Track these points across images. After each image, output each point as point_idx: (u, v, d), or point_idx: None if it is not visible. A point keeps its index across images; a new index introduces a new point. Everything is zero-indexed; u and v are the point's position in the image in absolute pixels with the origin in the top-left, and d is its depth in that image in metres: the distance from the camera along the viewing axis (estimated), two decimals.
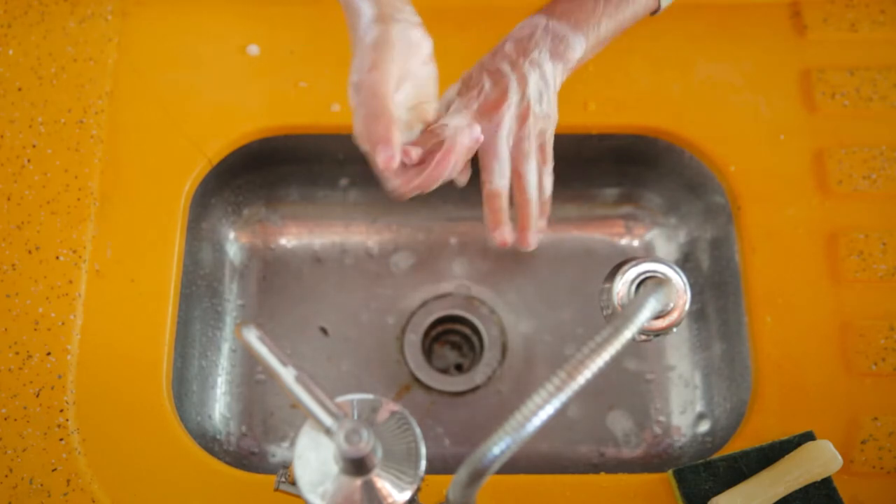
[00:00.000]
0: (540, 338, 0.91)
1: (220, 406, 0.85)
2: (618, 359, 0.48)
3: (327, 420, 0.47)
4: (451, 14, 0.84)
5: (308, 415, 0.47)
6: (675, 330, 0.57)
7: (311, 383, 0.48)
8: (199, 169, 0.80)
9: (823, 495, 0.67)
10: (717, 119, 0.82)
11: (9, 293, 0.74)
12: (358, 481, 0.49)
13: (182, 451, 0.70)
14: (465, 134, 0.59)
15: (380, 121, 0.55)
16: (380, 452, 0.49)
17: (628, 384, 0.89)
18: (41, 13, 0.83)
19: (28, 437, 0.69)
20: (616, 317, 0.46)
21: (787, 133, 0.81)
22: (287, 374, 0.48)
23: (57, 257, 0.75)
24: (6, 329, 0.73)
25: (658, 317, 0.57)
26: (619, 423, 0.88)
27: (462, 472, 0.46)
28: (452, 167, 0.59)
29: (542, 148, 0.65)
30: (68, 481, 0.68)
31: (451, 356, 0.94)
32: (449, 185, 0.66)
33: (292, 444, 0.77)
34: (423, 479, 0.50)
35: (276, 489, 0.59)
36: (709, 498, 0.67)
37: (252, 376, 0.89)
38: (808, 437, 0.69)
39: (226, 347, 0.88)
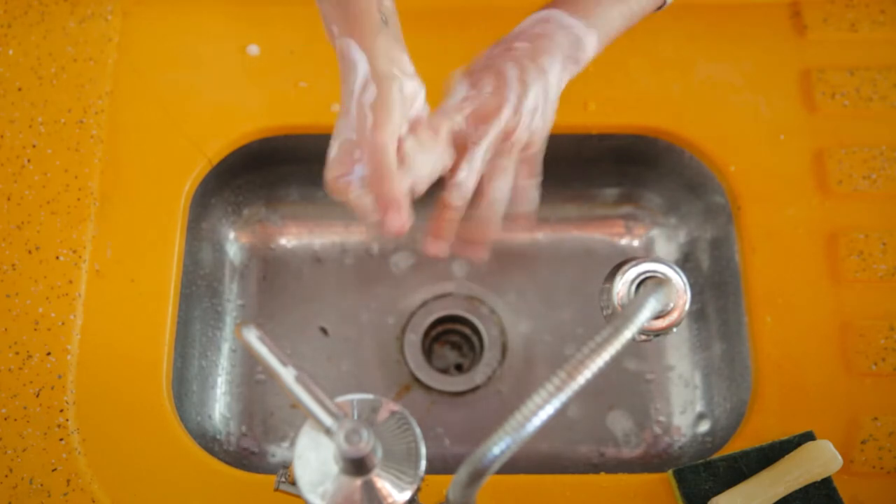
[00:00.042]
0: (540, 338, 0.91)
1: (220, 406, 0.85)
2: (618, 359, 0.48)
3: (327, 420, 0.47)
4: (451, 14, 0.84)
5: (308, 415, 0.47)
6: (675, 330, 0.57)
7: (311, 383, 0.48)
8: (199, 169, 0.80)
9: (823, 495, 0.67)
10: (717, 119, 0.82)
11: (9, 293, 0.74)
12: (358, 481, 0.49)
13: (182, 451, 0.70)
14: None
15: (386, 182, 0.55)
16: (380, 452, 0.49)
17: (628, 384, 0.89)
18: (41, 13, 0.83)
19: (28, 437, 0.69)
20: (616, 317, 0.46)
21: (787, 133, 0.81)
22: (287, 374, 0.48)
23: (57, 257, 0.75)
24: (6, 329, 0.73)
25: (658, 317, 0.56)
26: (619, 423, 0.88)
27: (462, 472, 0.46)
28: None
29: (528, 161, 0.63)
30: (68, 481, 0.68)
31: (451, 356, 0.94)
32: None
33: (292, 444, 0.77)
34: (423, 479, 0.50)
35: (276, 489, 0.59)
36: (709, 498, 0.67)
37: (252, 376, 0.89)
38: (808, 437, 0.69)
39: (226, 347, 0.88)
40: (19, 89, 0.81)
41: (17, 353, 0.72)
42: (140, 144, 0.80)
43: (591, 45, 0.64)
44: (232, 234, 0.92)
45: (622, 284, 0.57)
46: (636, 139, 0.84)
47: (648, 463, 0.85)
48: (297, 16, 0.85)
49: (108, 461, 0.69)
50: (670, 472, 0.69)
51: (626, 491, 0.69)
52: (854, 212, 0.78)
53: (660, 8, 0.71)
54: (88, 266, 0.75)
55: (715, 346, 0.84)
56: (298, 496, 0.50)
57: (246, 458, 0.85)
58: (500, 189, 0.62)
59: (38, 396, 0.71)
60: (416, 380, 0.90)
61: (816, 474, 0.66)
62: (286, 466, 0.60)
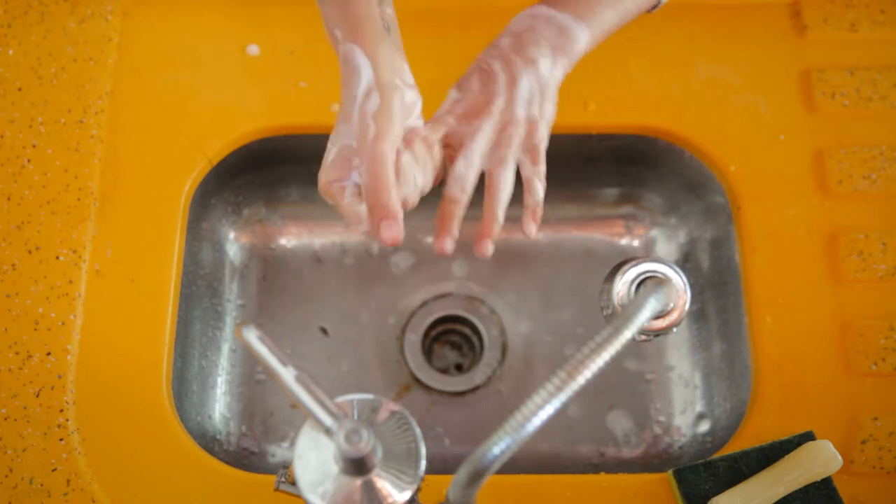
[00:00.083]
0: (540, 338, 0.91)
1: (220, 406, 0.85)
2: (618, 359, 0.48)
3: (327, 420, 0.47)
4: (451, 14, 0.84)
5: (308, 415, 0.47)
6: (675, 330, 0.57)
7: (311, 383, 0.48)
8: (199, 169, 0.80)
9: (823, 495, 0.67)
10: (717, 119, 0.82)
11: (9, 293, 0.74)
12: (358, 481, 0.49)
13: (182, 451, 0.70)
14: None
15: (383, 193, 0.55)
16: (380, 452, 0.49)
17: (628, 384, 0.89)
18: (41, 13, 0.83)
19: (28, 437, 0.69)
20: (616, 317, 0.46)
21: (787, 133, 0.81)
22: (287, 374, 0.48)
23: (57, 257, 0.75)
24: (6, 329, 0.73)
25: (658, 317, 0.57)
26: (619, 423, 0.88)
27: (462, 472, 0.46)
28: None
29: (531, 150, 0.63)
30: (68, 481, 0.68)
31: (451, 356, 0.94)
32: None
33: (292, 444, 0.77)
34: (423, 479, 0.50)
35: (276, 489, 0.59)
36: (709, 498, 0.67)
37: (252, 376, 0.89)
38: (808, 437, 0.69)
39: (226, 347, 0.88)
40: (19, 89, 0.81)
41: (17, 353, 0.72)
42: (140, 144, 0.80)
43: (583, 37, 0.64)
44: (232, 234, 0.92)
45: (622, 284, 0.57)
46: (636, 139, 0.84)
47: (648, 463, 0.85)
48: (297, 16, 0.85)
49: (108, 461, 0.69)
50: (670, 472, 0.69)
51: (626, 491, 0.69)
52: (854, 212, 0.78)
53: (654, 8, 0.71)
54: (88, 266, 0.75)
55: (715, 346, 0.84)
56: (298, 496, 0.50)
57: (246, 458, 0.85)
58: (503, 180, 0.62)
59: (38, 396, 0.71)
60: (416, 380, 0.90)
61: (816, 474, 0.66)
62: (286, 466, 0.60)
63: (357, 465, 0.48)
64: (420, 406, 0.89)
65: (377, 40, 0.58)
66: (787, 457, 0.67)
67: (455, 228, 0.61)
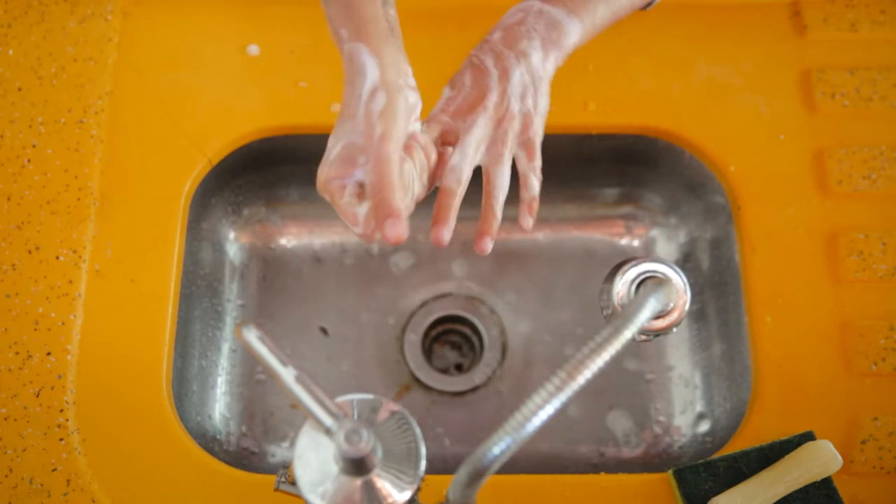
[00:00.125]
0: (540, 338, 0.91)
1: (220, 406, 0.85)
2: (618, 359, 0.48)
3: (327, 420, 0.47)
4: (451, 14, 0.84)
5: (308, 415, 0.47)
6: (675, 330, 0.57)
7: (311, 383, 0.48)
8: (199, 169, 0.80)
9: (823, 495, 0.67)
10: (717, 119, 0.82)
11: (9, 293, 0.74)
12: (358, 481, 0.49)
13: (182, 451, 0.70)
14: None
15: (389, 192, 0.55)
16: (380, 452, 0.49)
17: (628, 384, 0.89)
18: (41, 13, 0.83)
19: (28, 437, 0.69)
20: (616, 317, 0.46)
21: (787, 133, 0.81)
22: (287, 374, 0.48)
23: (57, 257, 0.75)
24: (6, 329, 0.73)
25: (658, 317, 0.57)
26: (619, 423, 0.88)
27: (462, 472, 0.46)
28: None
29: (526, 144, 0.63)
30: (68, 481, 0.68)
31: (451, 356, 0.94)
32: None
33: (292, 444, 0.77)
34: (423, 479, 0.50)
35: (276, 489, 0.59)
36: (709, 498, 0.67)
37: (252, 376, 0.89)
38: (808, 437, 0.69)
39: (226, 347, 0.88)
40: (19, 89, 0.81)
41: (17, 353, 0.72)
42: (140, 144, 0.80)
43: (574, 31, 0.64)
44: (232, 234, 0.92)
45: (622, 284, 0.57)
46: (636, 139, 0.84)
47: (648, 463, 0.85)
48: (297, 16, 0.85)
49: (108, 461, 0.69)
50: (670, 472, 0.69)
51: (626, 491, 0.69)
52: (854, 212, 0.78)
53: (648, 6, 0.71)
54: (88, 266, 0.75)
55: (715, 346, 0.84)
56: (298, 496, 0.50)
57: (246, 458, 0.85)
58: (500, 177, 0.62)
59: (38, 396, 0.71)
60: (416, 380, 0.90)
61: (816, 474, 0.66)
62: (286, 466, 0.60)
63: (357, 465, 0.48)
64: (420, 406, 0.89)
65: (382, 41, 0.59)
66: (787, 457, 0.67)
67: (452, 219, 0.60)
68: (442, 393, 0.90)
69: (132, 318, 0.74)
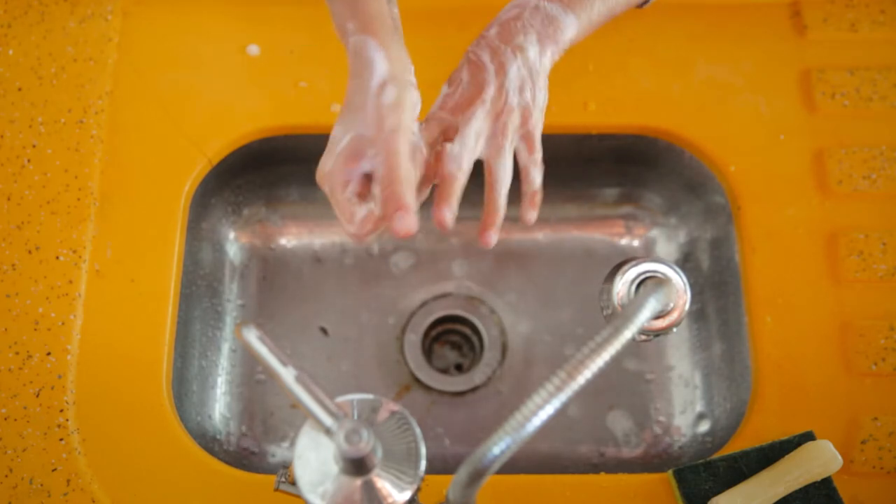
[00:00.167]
0: (540, 338, 0.91)
1: (220, 406, 0.85)
2: (618, 359, 0.48)
3: (327, 420, 0.47)
4: (451, 14, 0.84)
5: (308, 415, 0.47)
6: (675, 330, 0.57)
7: (311, 383, 0.48)
8: (199, 169, 0.80)
9: (823, 495, 0.67)
10: (717, 119, 0.82)
11: (9, 293, 0.74)
12: (358, 481, 0.49)
13: (182, 451, 0.70)
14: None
15: (399, 185, 0.55)
16: (380, 452, 0.49)
17: (628, 384, 0.89)
18: (41, 13, 0.83)
19: (28, 437, 0.69)
20: (616, 317, 0.46)
21: (787, 133, 0.81)
22: (287, 374, 0.48)
23: (57, 257, 0.75)
24: (6, 329, 0.73)
25: (658, 317, 0.57)
26: (619, 423, 0.88)
27: (462, 472, 0.46)
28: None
29: (526, 137, 0.63)
30: (68, 481, 0.68)
31: (451, 356, 0.94)
32: None
33: (292, 444, 0.77)
34: (423, 479, 0.50)
35: (276, 489, 0.59)
36: (709, 498, 0.67)
37: (252, 376, 0.89)
38: (808, 437, 0.69)
39: (226, 347, 0.88)
40: (19, 89, 0.81)
41: (17, 353, 0.72)
42: (140, 144, 0.80)
43: (570, 27, 0.64)
44: (232, 234, 0.92)
45: (622, 284, 0.57)
46: (636, 139, 0.84)
47: (648, 463, 0.85)
48: (297, 16, 0.85)
49: (108, 461, 0.69)
50: (670, 472, 0.69)
51: (626, 491, 0.69)
52: (854, 212, 0.78)
53: (644, 3, 0.71)
54: (88, 266, 0.75)
55: (715, 346, 0.84)
56: (298, 496, 0.50)
57: (246, 458, 0.85)
58: (501, 169, 0.62)
59: (38, 396, 0.71)
60: (416, 380, 0.90)
61: (816, 474, 0.66)
62: (286, 466, 0.60)
63: (357, 465, 0.48)
64: (420, 406, 0.89)
65: (388, 37, 0.59)
66: (787, 457, 0.67)
67: (454, 202, 0.60)
68: (442, 393, 0.90)
69: (132, 318, 0.74)
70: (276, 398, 0.88)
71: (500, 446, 0.44)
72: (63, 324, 0.73)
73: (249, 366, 0.89)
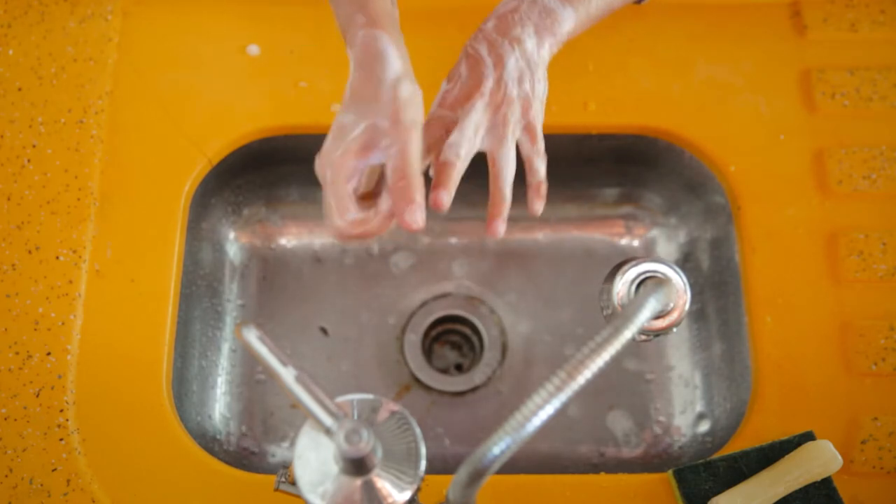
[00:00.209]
0: (540, 338, 0.91)
1: (220, 406, 0.85)
2: (618, 359, 0.48)
3: (327, 420, 0.47)
4: (451, 14, 0.84)
5: (308, 415, 0.47)
6: (675, 330, 0.57)
7: (311, 383, 0.48)
8: (199, 169, 0.80)
9: (823, 495, 0.67)
10: (717, 119, 0.82)
11: (9, 293, 0.74)
12: (358, 481, 0.49)
13: (182, 451, 0.70)
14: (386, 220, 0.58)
15: (413, 179, 0.55)
16: (380, 452, 0.49)
17: (628, 384, 0.89)
18: (41, 13, 0.83)
19: (28, 437, 0.69)
20: (616, 317, 0.46)
21: (787, 133, 0.81)
22: (287, 374, 0.48)
23: (57, 257, 0.75)
24: (6, 329, 0.73)
25: (658, 317, 0.57)
26: (619, 423, 0.88)
27: (462, 472, 0.46)
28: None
29: (527, 128, 0.63)
30: (68, 481, 0.68)
31: (451, 356, 0.94)
32: None
33: (292, 444, 0.77)
34: (423, 479, 0.50)
35: (276, 489, 0.59)
36: (709, 498, 0.67)
37: (252, 376, 0.89)
38: (808, 437, 0.69)
39: (226, 347, 0.88)
40: (19, 89, 0.81)
41: (17, 353, 0.72)
42: (140, 144, 0.80)
43: (568, 18, 0.64)
44: (232, 234, 0.92)
45: (622, 284, 0.57)
46: (636, 139, 0.84)
47: (648, 463, 0.85)
48: (297, 16, 0.85)
49: (108, 461, 0.69)
50: (670, 472, 0.69)
51: (626, 491, 0.69)
52: (854, 212, 0.78)
53: (640, 0, 0.71)
54: (88, 266, 0.75)
55: (715, 346, 0.84)
56: (298, 496, 0.50)
57: (246, 458, 0.85)
58: (504, 158, 0.62)
59: (38, 396, 0.71)
60: (416, 380, 0.90)
61: (816, 474, 0.66)
62: (286, 466, 0.60)
63: (357, 465, 0.48)
64: (420, 406, 0.89)
65: (395, 35, 0.59)
66: (787, 457, 0.67)
67: (452, 186, 0.59)
68: (442, 393, 0.90)
69: (132, 318, 0.74)
70: (276, 398, 0.88)
71: (500, 446, 0.44)
72: (63, 324, 0.73)
73: (249, 366, 0.89)
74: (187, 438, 0.71)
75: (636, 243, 0.94)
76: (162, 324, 0.74)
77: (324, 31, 0.84)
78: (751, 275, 0.76)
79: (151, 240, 0.77)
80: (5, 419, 0.70)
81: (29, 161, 0.78)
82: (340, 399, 0.51)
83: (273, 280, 0.92)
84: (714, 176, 0.82)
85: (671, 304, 0.56)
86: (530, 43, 0.62)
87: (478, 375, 0.90)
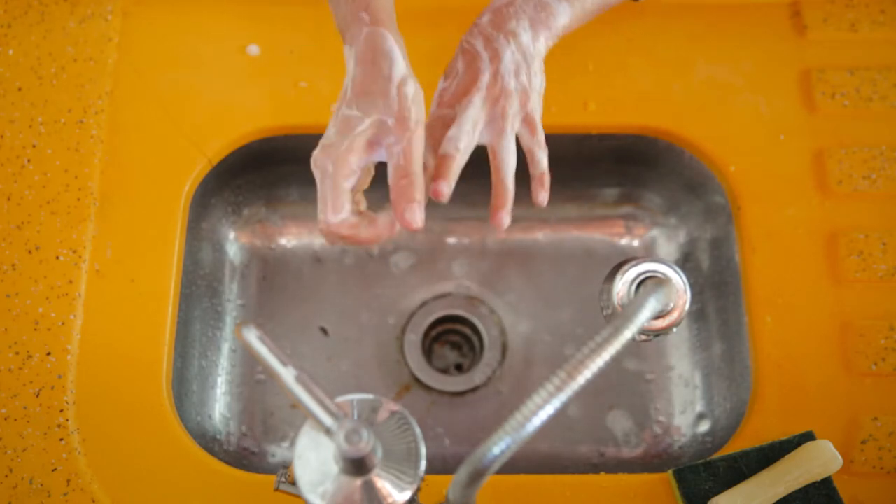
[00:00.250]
0: (540, 338, 0.91)
1: (220, 406, 0.85)
2: (618, 359, 0.48)
3: (327, 420, 0.47)
4: (451, 14, 0.84)
5: (308, 415, 0.47)
6: (675, 330, 0.57)
7: (311, 383, 0.48)
8: (199, 169, 0.80)
9: (823, 495, 0.67)
10: (717, 119, 0.82)
11: (9, 293, 0.74)
12: (358, 481, 0.49)
13: (182, 451, 0.70)
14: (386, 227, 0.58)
15: (415, 178, 0.56)
16: (380, 452, 0.49)
17: (628, 384, 0.89)
18: (41, 13, 0.83)
19: (28, 437, 0.69)
20: (616, 317, 0.46)
21: (787, 133, 0.81)
22: (287, 374, 0.48)
23: (57, 257, 0.75)
24: (6, 329, 0.73)
25: (658, 317, 0.57)
26: (619, 423, 0.88)
27: (462, 472, 0.46)
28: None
29: (526, 120, 0.63)
30: (68, 481, 0.68)
31: (451, 356, 0.94)
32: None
33: (292, 444, 0.77)
34: (423, 479, 0.50)
35: (276, 489, 0.59)
36: (709, 498, 0.67)
37: (252, 376, 0.89)
38: (808, 437, 0.69)
39: (226, 347, 0.88)
40: (19, 89, 0.81)
41: (17, 353, 0.72)
42: (140, 144, 0.80)
43: (563, 12, 0.64)
44: (232, 234, 0.92)
45: (622, 284, 0.57)
46: (636, 139, 0.84)
47: (648, 463, 0.85)
48: (297, 16, 0.85)
49: (108, 461, 0.69)
50: (670, 472, 0.69)
51: (626, 491, 0.69)
52: (854, 212, 0.78)
53: None
54: (88, 266, 0.75)
55: (715, 346, 0.84)
56: (298, 496, 0.50)
57: (246, 458, 0.85)
58: (505, 149, 0.62)
59: (38, 396, 0.71)
60: (416, 380, 0.90)
61: (816, 474, 0.66)
62: (286, 466, 0.60)
63: (357, 465, 0.48)
64: (420, 406, 0.89)
65: (397, 36, 0.59)
66: (787, 457, 0.67)
67: (452, 177, 0.60)
68: (442, 393, 0.90)
69: (132, 318, 0.74)
70: (276, 398, 0.88)
71: (500, 446, 0.44)
72: (63, 324, 0.73)
73: (249, 366, 0.89)
74: (187, 438, 0.71)
75: (636, 243, 0.94)
76: (162, 324, 0.74)
77: (324, 31, 0.84)
78: (751, 275, 0.76)
79: (151, 240, 0.77)
80: (5, 419, 0.70)
81: (29, 161, 0.78)
82: (340, 399, 0.51)
83: (273, 280, 0.92)
84: (714, 176, 0.82)
85: (671, 304, 0.56)
86: (525, 36, 0.63)
87: (478, 375, 0.90)
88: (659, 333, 0.57)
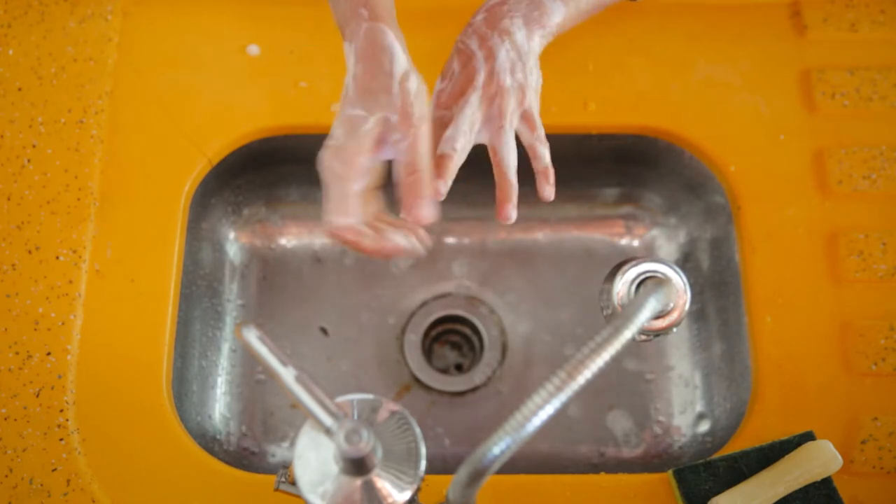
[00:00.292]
0: (540, 338, 0.91)
1: (220, 406, 0.85)
2: (618, 359, 0.48)
3: (327, 420, 0.47)
4: (451, 14, 0.84)
5: (308, 415, 0.47)
6: (675, 330, 0.57)
7: (311, 383, 0.48)
8: (199, 169, 0.80)
9: (823, 495, 0.67)
10: (717, 119, 0.82)
11: (9, 293, 0.74)
12: (358, 481, 0.49)
13: (182, 451, 0.70)
14: (395, 240, 0.58)
15: (423, 173, 0.56)
16: (380, 452, 0.49)
17: (628, 384, 0.89)
18: (41, 13, 0.83)
19: (28, 437, 0.69)
20: (616, 317, 0.46)
21: (787, 133, 0.81)
22: (287, 374, 0.48)
23: (57, 257, 0.75)
24: (6, 329, 0.73)
25: (658, 317, 0.57)
26: (619, 423, 0.88)
27: (462, 472, 0.46)
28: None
29: (525, 117, 0.63)
30: (68, 481, 0.68)
31: (451, 356, 0.94)
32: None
33: (292, 444, 0.77)
34: (423, 479, 0.50)
35: (276, 489, 0.59)
36: (709, 498, 0.67)
37: (252, 376, 0.89)
38: (808, 437, 0.69)
39: (226, 347, 0.88)
40: (19, 89, 0.81)
41: (17, 353, 0.72)
42: (140, 144, 0.80)
43: (558, 11, 0.64)
44: (232, 234, 0.92)
45: (622, 284, 0.57)
46: (636, 139, 0.84)
47: (648, 463, 0.85)
48: (297, 16, 0.85)
49: (108, 461, 0.69)
50: (670, 472, 0.69)
51: (626, 491, 0.69)
52: (854, 212, 0.78)
53: None
54: (88, 266, 0.75)
55: (715, 346, 0.84)
56: (298, 496, 0.50)
57: (246, 458, 0.85)
58: (505, 146, 0.62)
59: (38, 396, 0.71)
60: (416, 380, 0.90)
61: (816, 474, 0.66)
62: (286, 466, 0.60)
63: (357, 465, 0.48)
64: (420, 406, 0.89)
65: (397, 32, 0.59)
66: (787, 457, 0.67)
67: (449, 177, 0.60)
68: (442, 393, 0.90)
69: (132, 318, 0.74)
70: (276, 398, 0.88)
71: (500, 446, 0.44)
72: (63, 324, 0.73)
73: (249, 366, 0.89)
74: (187, 438, 0.71)
75: (636, 243, 0.94)
76: (162, 324, 0.74)
77: (324, 31, 0.84)
78: (751, 275, 0.76)
79: (151, 240, 0.77)
80: (5, 419, 0.70)
81: (29, 161, 0.78)
82: (340, 399, 0.51)
83: (273, 280, 0.92)
84: (714, 176, 0.82)
85: (671, 304, 0.56)
86: (520, 34, 0.63)
87: (478, 375, 0.90)
88: (659, 333, 0.57)
